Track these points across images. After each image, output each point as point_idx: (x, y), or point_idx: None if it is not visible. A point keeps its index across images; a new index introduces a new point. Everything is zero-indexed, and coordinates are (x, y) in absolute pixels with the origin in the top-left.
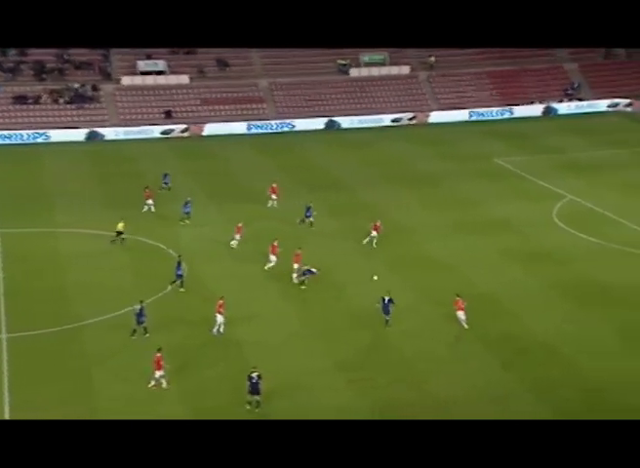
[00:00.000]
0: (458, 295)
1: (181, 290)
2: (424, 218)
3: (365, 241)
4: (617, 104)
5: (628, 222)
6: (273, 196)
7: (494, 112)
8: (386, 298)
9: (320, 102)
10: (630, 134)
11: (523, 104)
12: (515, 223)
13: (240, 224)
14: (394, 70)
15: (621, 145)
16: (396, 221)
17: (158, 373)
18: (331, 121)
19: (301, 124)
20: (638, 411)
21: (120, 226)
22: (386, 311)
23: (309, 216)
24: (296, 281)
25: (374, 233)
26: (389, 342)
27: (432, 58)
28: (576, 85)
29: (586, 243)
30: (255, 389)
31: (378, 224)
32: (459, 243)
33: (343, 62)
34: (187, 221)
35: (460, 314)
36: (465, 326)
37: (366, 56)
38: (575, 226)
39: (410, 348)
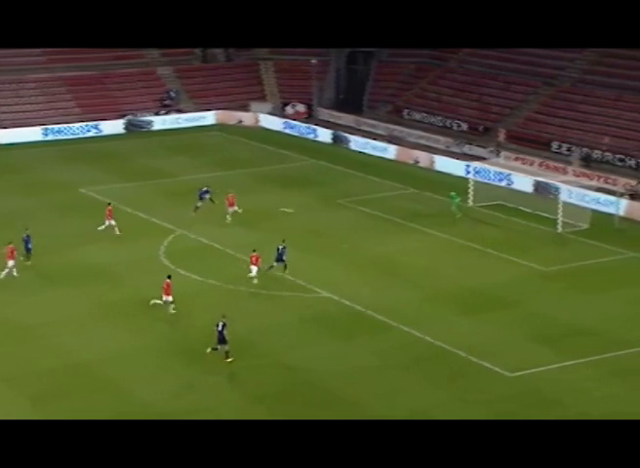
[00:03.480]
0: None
1: None
2: None
3: None
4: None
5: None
6: (231, 209)
7: (75, 129)
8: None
9: None
10: (238, 152)
11: (111, 119)
12: (114, 269)
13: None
14: None
15: (230, 165)
16: None
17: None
18: None
19: None
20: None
21: None
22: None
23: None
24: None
25: None
26: None
27: None
28: (173, 93)
29: (198, 284)
30: (221, 338)
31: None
32: (43, 300)
33: None
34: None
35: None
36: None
37: None
38: (185, 265)
39: None
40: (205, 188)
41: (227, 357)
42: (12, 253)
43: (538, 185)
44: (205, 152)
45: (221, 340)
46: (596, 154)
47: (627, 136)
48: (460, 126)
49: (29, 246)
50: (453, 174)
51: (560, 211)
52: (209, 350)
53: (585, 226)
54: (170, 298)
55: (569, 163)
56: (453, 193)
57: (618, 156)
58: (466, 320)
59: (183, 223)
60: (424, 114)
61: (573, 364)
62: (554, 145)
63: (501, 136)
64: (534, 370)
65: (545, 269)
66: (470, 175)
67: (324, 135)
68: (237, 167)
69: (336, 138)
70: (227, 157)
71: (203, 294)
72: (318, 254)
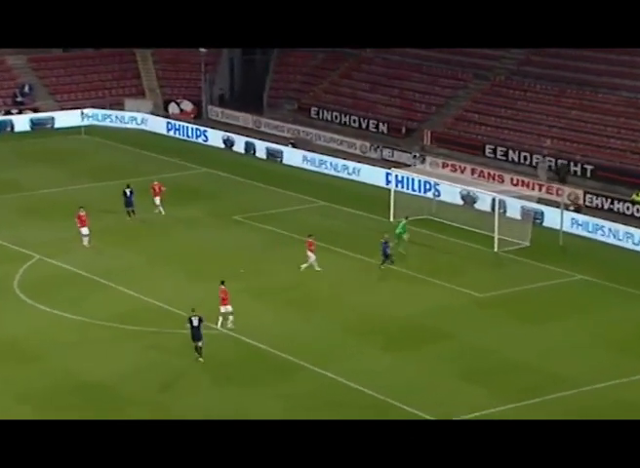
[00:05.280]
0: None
1: None
2: None
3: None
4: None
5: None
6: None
7: None
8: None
9: None
10: (111, 159)
11: None
12: None
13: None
14: None
15: (101, 176)
16: None
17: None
18: None
19: None
20: None
21: None
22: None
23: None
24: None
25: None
26: None
27: None
28: (27, 88)
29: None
30: (197, 334)
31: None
32: None
33: None
34: None
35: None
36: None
37: None
38: (47, 299)
39: None
40: (129, 189)
41: (200, 355)
42: None
43: (469, 196)
44: (70, 160)
45: (197, 337)
46: (536, 159)
47: (572, 138)
48: (378, 127)
49: None
50: (371, 183)
51: (496, 226)
52: (201, 359)
53: (525, 244)
54: (229, 308)
55: (534, 176)
56: (403, 220)
57: (560, 162)
58: (388, 356)
59: (44, 246)
60: (336, 113)
61: (511, 407)
62: (488, 149)
63: (427, 139)
64: (465, 417)
65: (479, 295)
66: (391, 185)
67: (216, 138)
68: (110, 177)
69: (229, 142)
70: (97, 165)
71: (60, 331)
72: (210, 281)
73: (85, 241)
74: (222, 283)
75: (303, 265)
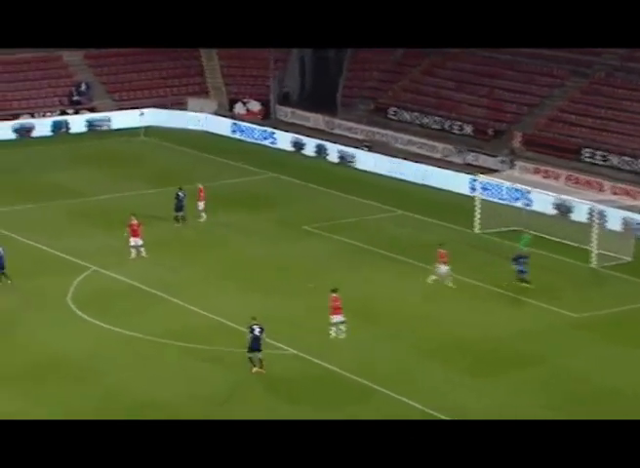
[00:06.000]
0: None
1: None
2: None
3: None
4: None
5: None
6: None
7: None
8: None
9: None
10: (171, 163)
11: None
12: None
13: None
14: None
15: (160, 181)
16: None
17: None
18: None
19: None
20: None
21: None
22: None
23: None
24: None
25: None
26: None
27: None
28: (83, 87)
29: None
30: (256, 345)
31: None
32: None
33: None
34: None
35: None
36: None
37: None
38: (101, 314)
39: None
40: (181, 192)
41: (262, 366)
42: None
43: (564, 206)
44: (127, 164)
45: (255, 347)
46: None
47: None
48: (462, 128)
49: None
50: (453, 190)
51: (594, 239)
52: (254, 370)
53: (627, 259)
54: (341, 318)
55: (637, 184)
56: (526, 235)
57: None
58: (471, 382)
59: (99, 257)
60: (416, 113)
61: None
62: (586, 153)
63: (517, 142)
64: None
65: (575, 316)
66: (476, 193)
67: (284, 140)
68: (170, 183)
69: (299, 145)
70: (157, 170)
71: (113, 348)
72: (276, 297)
73: (133, 253)
74: (334, 291)
75: (431, 277)
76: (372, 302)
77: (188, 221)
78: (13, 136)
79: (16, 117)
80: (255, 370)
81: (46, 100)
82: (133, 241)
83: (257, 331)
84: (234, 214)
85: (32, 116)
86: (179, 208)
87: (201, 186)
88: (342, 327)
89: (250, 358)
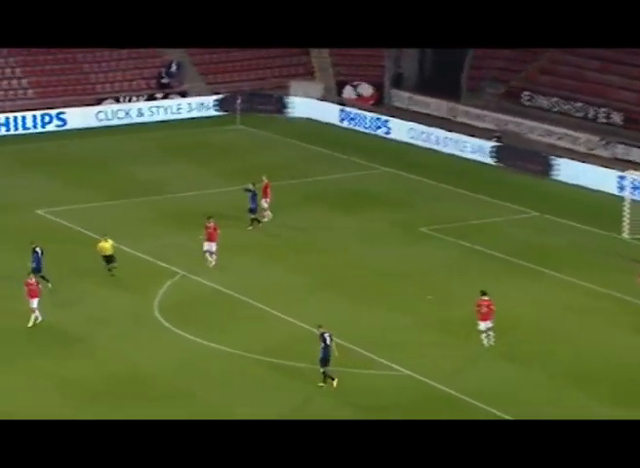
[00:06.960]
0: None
1: None
2: None
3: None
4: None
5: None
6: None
7: (27, 120)
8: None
9: None
10: (269, 155)
11: (80, 106)
12: (82, 330)
13: None
14: None
15: (257, 176)
16: None
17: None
18: None
19: None
20: None
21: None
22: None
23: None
24: None
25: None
26: None
27: None
28: (174, 67)
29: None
30: (327, 356)
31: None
32: None
33: None
34: None
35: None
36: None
37: None
38: (188, 325)
39: None
40: (251, 188)
41: (333, 378)
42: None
43: None
44: (220, 156)
45: (325, 361)
46: None
47: None
48: (610, 117)
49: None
50: (598, 189)
51: None
52: (320, 384)
53: None
54: (489, 324)
55: None
56: None
57: None
58: (612, 412)
59: (189, 260)
60: (555, 99)
61: None
62: None
63: None
64: None
65: None
66: (626, 193)
67: (400, 129)
68: (268, 178)
69: (416, 136)
70: (253, 163)
71: (204, 364)
72: (390, 309)
73: (210, 259)
74: (484, 293)
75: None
76: (500, 317)
77: (262, 224)
78: (96, 123)
79: (99, 102)
80: (335, 382)
81: (132, 84)
82: (207, 245)
83: (328, 340)
84: (344, 214)
85: (117, 101)
86: (252, 209)
87: (267, 181)
88: (491, 333)
89: (324, 372)
